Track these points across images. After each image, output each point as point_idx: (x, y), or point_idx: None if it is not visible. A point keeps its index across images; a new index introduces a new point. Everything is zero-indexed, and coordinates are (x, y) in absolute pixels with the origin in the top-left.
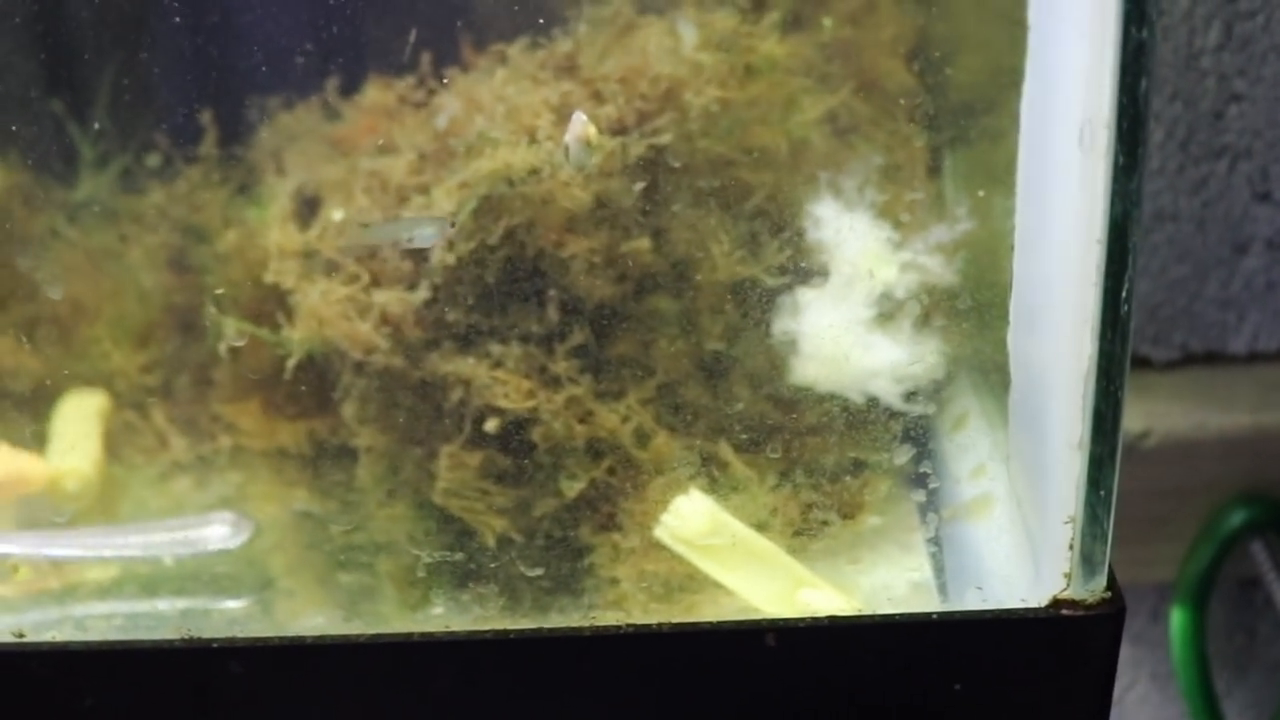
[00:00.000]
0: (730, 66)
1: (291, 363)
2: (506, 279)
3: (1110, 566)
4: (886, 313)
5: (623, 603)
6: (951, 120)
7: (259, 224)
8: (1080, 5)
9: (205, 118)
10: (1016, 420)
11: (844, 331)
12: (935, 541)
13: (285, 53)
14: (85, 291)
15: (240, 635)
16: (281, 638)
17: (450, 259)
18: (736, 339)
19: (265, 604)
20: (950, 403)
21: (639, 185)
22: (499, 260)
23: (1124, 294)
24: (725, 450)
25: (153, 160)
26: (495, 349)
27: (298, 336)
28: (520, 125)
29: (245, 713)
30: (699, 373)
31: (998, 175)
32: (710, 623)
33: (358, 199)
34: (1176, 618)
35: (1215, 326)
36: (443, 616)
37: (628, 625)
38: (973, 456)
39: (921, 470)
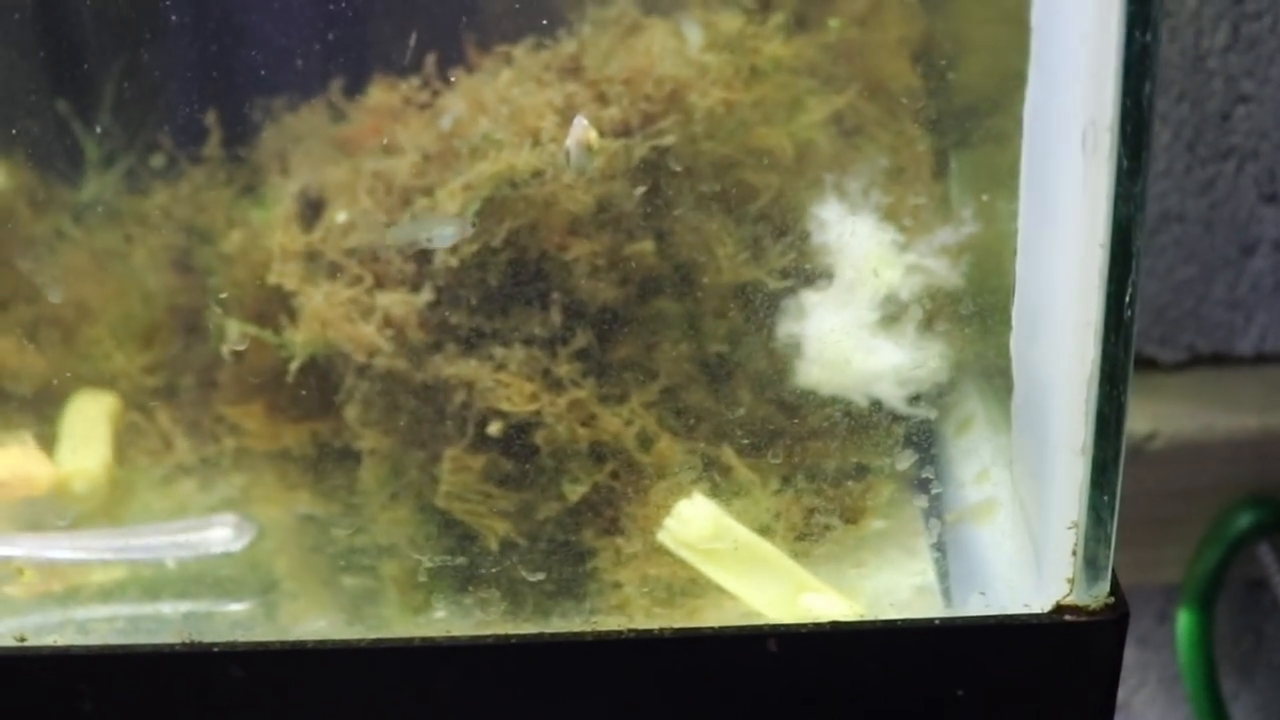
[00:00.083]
0: (735, 68)
1: (295, 365)
2: (510, 281)
3: (1114, 571)
4: (890, 316)
5: (625, 607)
6: (955, 123)
7: (263, 225)
8: (1084, 8)
9: (210, 118)
10: (1020, 425)
11: (847, 335)
12: (938, 546)
13: (290, 53)
14: (89, 292)
15: (241, 639)
16: (283, 642)
17: (453, 261)
18: (740, 342)
19: (268, 607)
20: (954, 407)
21: (643, 187)
22: (502, 263)
23: (1127, 298)
24: (728, 454)
25: (157, 161)
26: (498, 352)
27: (301, 339)
28: (524, 127)
29: (247, 717)
30: (702, 376)
31: (1001, 178)
32: (713, 628)
33: (362, 200)
34: (1183, 620)
35: (1222, 328)
36: (445, 620)
37: (630, 630)
38: (976, 461)
39: (925, 475)
